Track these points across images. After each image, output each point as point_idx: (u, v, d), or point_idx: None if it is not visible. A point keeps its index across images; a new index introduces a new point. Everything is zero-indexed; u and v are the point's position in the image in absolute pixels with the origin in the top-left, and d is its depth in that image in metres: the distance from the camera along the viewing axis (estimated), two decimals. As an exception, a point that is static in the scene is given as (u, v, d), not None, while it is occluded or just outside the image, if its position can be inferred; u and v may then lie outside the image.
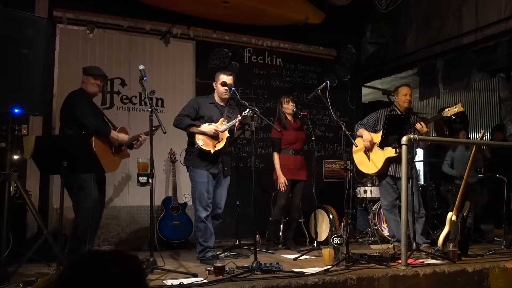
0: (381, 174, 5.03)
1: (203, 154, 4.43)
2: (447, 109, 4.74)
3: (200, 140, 4.39)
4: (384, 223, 5.88)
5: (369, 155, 5.04)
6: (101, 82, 4.37)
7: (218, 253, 4.61)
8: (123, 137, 4.31)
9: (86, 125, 4.02)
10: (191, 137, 4.51)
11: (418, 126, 4.77)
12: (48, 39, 3.90)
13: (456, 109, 4.67)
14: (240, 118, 4.46)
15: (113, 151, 4.26)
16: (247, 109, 4.31)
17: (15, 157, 4.68)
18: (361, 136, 5.08)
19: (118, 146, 4.35)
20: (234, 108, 4.75)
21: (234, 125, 4.51)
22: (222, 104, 4.66)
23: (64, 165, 3.50)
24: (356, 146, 4.96)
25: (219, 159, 4.52)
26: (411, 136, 4.05)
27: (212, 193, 4.50)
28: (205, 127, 4.42)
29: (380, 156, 4.90)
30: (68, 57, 5.61)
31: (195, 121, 4.49)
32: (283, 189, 5.33)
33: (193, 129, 4.45)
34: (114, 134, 4.23)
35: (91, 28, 5.77)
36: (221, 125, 4.48)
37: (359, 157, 5.15)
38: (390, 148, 4.64)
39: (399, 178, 4.72)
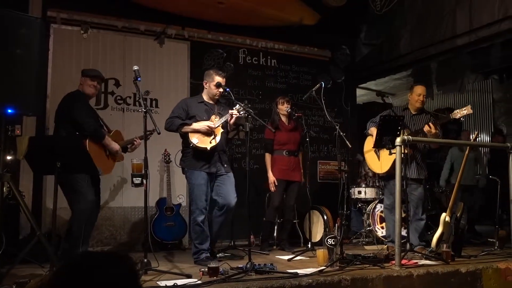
0: (391, 174, 4.97)
1: (199, 153, 4.39)
2: (456, 111, 4.65)
3: (195, 138, 4.35)
4: (378, 223, 5.89)
5: (379, 154, 4.97)
6: (98, 84, 4.36)
7: (212, 253, 4.61)
8: (114, 146, 4.27)
9: (85, 127, 4.01)
10: (185, 138, 4.47)
11: (426, 128, 4.66)
12: (42, 39, 3.88)
13: (465, 111, 4.56)
14: (232, 112, 4.41)
15: (107, 154, 4.25)
16: (237, 105, 4.32)
17: (8, 157, 4.66)
18: (372, 135, 5.04)
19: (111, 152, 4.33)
20: (224, 106, 4.72)
21: (227, 120, 4.47)
22: (211, 102, 4.62)
23: (57, 166, 3.49)
24: (350, 147, 4.95)
25: (215, 157, 4.47)
26: (405, 137, 4.06)
27: (210, 194, 4.47)
28: (198, 124, 4.38)
29: (390, 156, 4.85)
30: (62, 57, 5.59)
31: (186, 121, 4.45)
32: (272, 188, 5.35)
33: (186, 129, 4.41)
34: (107, 140, 4.20)
35: (85, 28, 5.75)
36: (213, 122, 4.44)
37: (370, 156, 5.11)
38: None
39: (409, 179, 4.72)
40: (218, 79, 4.51)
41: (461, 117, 4.63)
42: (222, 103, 4.74)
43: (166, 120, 4.51)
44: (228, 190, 4.53)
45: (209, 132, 4.39)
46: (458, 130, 8.77)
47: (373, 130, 4.99)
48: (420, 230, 4.85)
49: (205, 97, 4.64)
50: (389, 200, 5.00)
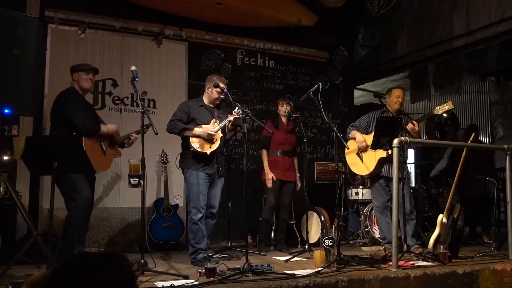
0: (374, 176, 5.04)
1: (199, 155, 4.46)
2: (438, 107, 4.77)
3: (196, 143, 4.43)
4: (375, 225, 5.90)
5: (361, 156, 5.05)
6: (93, 77, 4.34)
7: (210, 254, 4.61)
8: (110, 127, 4.26)
9: (79, 127, 3.98)
10: (186, 141, 4.53)
11: (409, 125, 4.79)
12: (39, 39, 3.88)
13: (446, 107, 4.70)
14: (231, 117, 4.50)
15: (103, 150, 4.23)
16: (236, 107, 4.35)
17: (5, 157, 4.65)
18: (354, 138, 5.09)
19: (109, 144, 4.30)
20: (224, 109, 4.79)
21: (226, 125, 4.54)
22: (211, 106, 4.68)
23: (54, 166, 3.48)
24: (348, 149, 4.97)
25: (214, 160, 4.54)
26: (403, 138, 4.06)
27: (207, 194, 4.52)
28: (199, 129, 4.45)
29: (372, 157, 4.92)
30: (59, 57, 5.57)
31: (188, 125, 4.51)
32: (269, 184, 5.36)
33: (187, 133, 4.48)
34: (103, 127, 4.18)
35: (82, 29, 5.74)
36: (213, 126, 4.50)
37: (351, 159, 5.16)
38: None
39: (392, 179, 4.73)
40: (221, 85, 4.57)
41: (443, 112, 4.75)
42: (222, 106, 4.79)
43: (168, 123, 4.57)
44: (215, 194, 4.63)
45: (210, 138, 4.44)
46: (455, 132, 8.79)
47: (354, 133, 5.06)
48: (413, 229, 4.87)
49: (205, 100, 4.69)
50: (378, 201, 5.04)
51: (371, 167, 4.93)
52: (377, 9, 7.46)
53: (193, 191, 4.44)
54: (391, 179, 4.77)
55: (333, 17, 7.12)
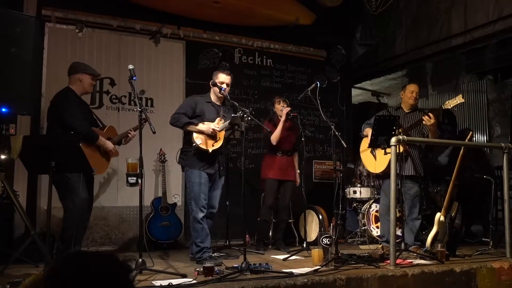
0: (387, 173, 4.98)
1: (200, 153, 4.41)
2: (448, 101, 4.68)
3: (198, 139, 4.37)
4: (373, 223, 5.90)
5: (375, 154, 4.99)
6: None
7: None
8: (108, 145, 4.24)
9: (77, 130, 3.97)
10: (188, 136, 4.48)
11: (425, 118, 4.69)
12: (37, 38, 3.89)
13: (456, 101, 4.60)
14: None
15: (101, 152, 4.22)
16: (240, 110, 4.32)
17: (3, 156, 4.64)
18: (367, 136, 5.05)
19: None
20: (229, 108, 4.74)
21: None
22: (218, 103, 4.64)
23: (52, 165, 3.47)
24: (345, 146, 4.96)
25: (216, 159, 4.50)
26: (400, 137, 4.07)
27: (207, 193, 4.49)
28: (203, 126, 4.40)
29: (386, 156, 4.86)
30: (57, 56, 5.56)
31: (192, 120, 4.46)
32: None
33: (191, 128, 4.42)
34: (100, 140, 4.16)
35: (80, 27, 5.73)
36: (218, 125, 4.45)
37: (366, 156, 5.14)
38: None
39: (405, 177, 4.72)
40: (221, 76, 4.53)
41: (453, 106, 4.66)
42: (228, 105, 4.74)
43: (172, 115, 4.50)
44: (216, 194, 4.61)
45: (213, 135, 4.42)
46: (453, 130, 8.79)
47: (368, 131, 5.01)
48: (416, 230, 4.86)
49: (212, 97, 4.65)
50: (385, 200, 5.01)
51: (384, 165, 4.81)
52: (375, 7, 7.47)
53: (195, 190, 4.40)
54: (404, 178, 4.72)
55: (331, 15, 7.13)
